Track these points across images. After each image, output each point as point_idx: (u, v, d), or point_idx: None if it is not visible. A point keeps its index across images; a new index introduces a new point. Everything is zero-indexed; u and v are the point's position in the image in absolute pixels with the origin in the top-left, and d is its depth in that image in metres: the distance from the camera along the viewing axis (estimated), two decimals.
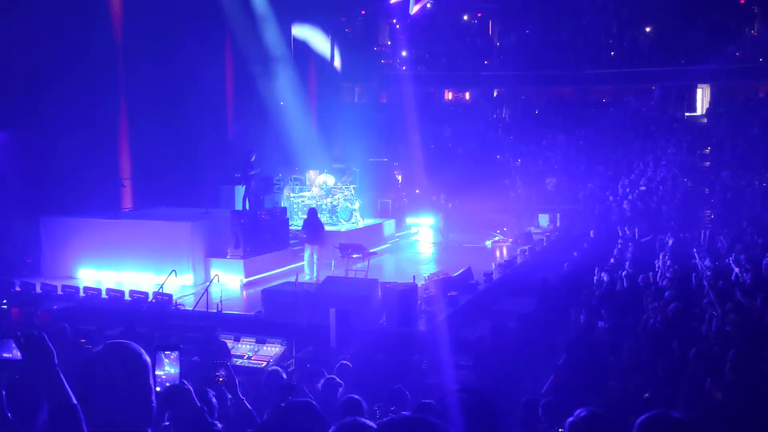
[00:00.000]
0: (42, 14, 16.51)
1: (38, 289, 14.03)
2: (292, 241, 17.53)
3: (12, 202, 16.88)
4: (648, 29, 34.29)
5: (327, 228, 19.07)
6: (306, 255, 15.68)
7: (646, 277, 13.39)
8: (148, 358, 2.50)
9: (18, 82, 16.20)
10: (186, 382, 2.81)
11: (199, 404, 3.19)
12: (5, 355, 2.74)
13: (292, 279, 13.88)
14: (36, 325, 10.49)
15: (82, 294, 13.78)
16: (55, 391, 2.39)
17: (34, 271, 16.03)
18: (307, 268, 15.51)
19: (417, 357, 10.44)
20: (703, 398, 6.39)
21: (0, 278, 14.22)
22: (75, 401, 2.38)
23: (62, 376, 2.44)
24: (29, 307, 12.02)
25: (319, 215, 19.65)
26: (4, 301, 12.79)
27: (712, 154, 27.67)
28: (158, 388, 2.66)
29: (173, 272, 13.62)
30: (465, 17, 37.78)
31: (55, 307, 12.61)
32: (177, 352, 2.81)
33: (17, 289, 14.06)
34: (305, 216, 16.81)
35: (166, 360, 2.79)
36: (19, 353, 2.54)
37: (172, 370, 2.79)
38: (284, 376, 6.09)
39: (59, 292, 13.86)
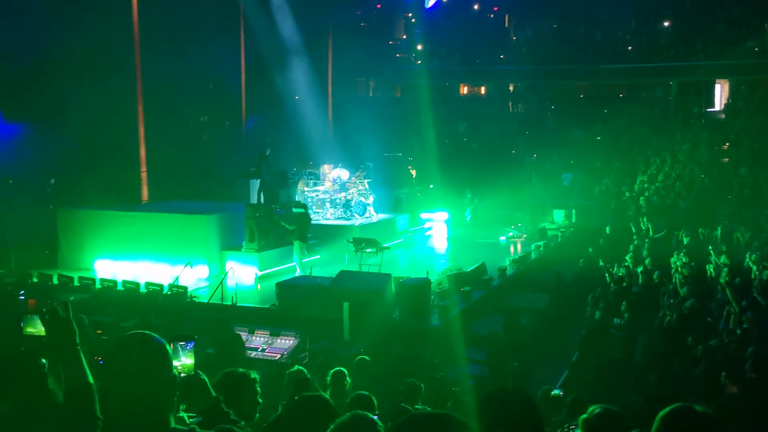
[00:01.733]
0: (61, 8, 16.62)
1: (55, 281, 14.15)
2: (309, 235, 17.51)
3: (29, 194, 17.03)
4: (666, 24, 33.97)
5: (341, 222, 19.14)
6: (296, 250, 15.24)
7: (662, 274, 13.26)
8: (170, 347, 2.52)
9: (35, 76, 16.33)
10: (201, 373, 2.82)
11: (214, 394, 3.21)
12: (30, 330, 2.82)
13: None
14: None
15: (98, 285, 13.90)
16: (74, 368, 2.45)
17: (51, 262, 16.19)
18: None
19: (430, 351, 10.43)
20: (718, 392, 6.35)
21: (17, 270, 14.35)
22: (91, 381, 2.43)
23: (82, 356, 2.49)
24: (46, 299, 12.11)
25: (332, 208, 19.80)
26: (22, 292, 12.89)
27: (730, 149, 27.38)
28: None
29: (188, 264, 13.71)
30: (477, 8, 37.61)
31: (72, 298, 12.70)
32: (192, 343, 2.81)
33: (34, 280, 14.19)
34: (298, 209, 16.17)
35: (182, 351, 2.80)
36: (43, 329, 2.61)
37: (188, 361, 2.80)
38: (308, 375, 6.02)
39: (76, 283, 13.98)
